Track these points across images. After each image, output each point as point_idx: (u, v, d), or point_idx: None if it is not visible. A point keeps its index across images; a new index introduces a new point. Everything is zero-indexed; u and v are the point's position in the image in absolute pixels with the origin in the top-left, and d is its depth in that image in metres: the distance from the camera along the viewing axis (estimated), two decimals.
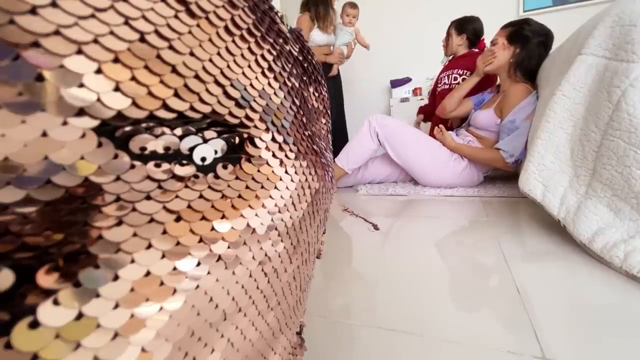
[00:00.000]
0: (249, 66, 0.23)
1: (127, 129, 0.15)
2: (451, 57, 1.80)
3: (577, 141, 0.74)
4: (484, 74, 1.40)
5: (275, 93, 0.26)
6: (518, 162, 1.18)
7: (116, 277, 0.14)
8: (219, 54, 0.21)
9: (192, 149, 0.18)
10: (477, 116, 1.39)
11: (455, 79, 1.68)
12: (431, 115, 1.86)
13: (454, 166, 1.35)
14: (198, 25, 0.20)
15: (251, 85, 0.23)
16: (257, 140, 0.23)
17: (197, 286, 0.17)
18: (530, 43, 1.21)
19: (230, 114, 0.21)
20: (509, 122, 1.20)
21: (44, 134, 0.13)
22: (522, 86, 1.22)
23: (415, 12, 2.71)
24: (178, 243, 0.16)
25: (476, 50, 1.71)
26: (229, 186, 0.20)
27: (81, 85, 0.14)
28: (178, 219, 0.17)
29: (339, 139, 1.98)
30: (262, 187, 0.22)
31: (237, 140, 0.21)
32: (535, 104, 1.14)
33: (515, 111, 1.18)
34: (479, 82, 1.49)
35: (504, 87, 1.34)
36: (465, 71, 1.65)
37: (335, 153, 1.50)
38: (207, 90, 0.19)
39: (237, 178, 0.20)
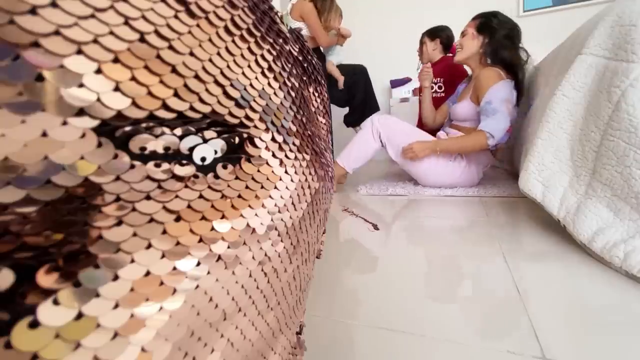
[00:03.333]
0: (249, 66, 0.23)
1: (127, 128, 0.15)
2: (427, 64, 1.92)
3: (577, 141, 0.74)
4: (458, 64, 1.48)
5: (275, 93, 0.26)
6: (497, 146, 1.20)
7: (116, 277, 0.14)
8: (218, 54, 0.21)
9: (192, 149, 0.18)
10: (455, 109, 1.42)
11: (432, 87, 1.78)
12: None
13: (453, 166, 1.35)
14: (198, 26, 0.20)
15: (251, 85, 0.23)
16: (256, 140, 0.23)
17: (197, 286, 0.17)
18: (497, 34, 1.28)
19: (230, 114, 0.21)
20: (486, 104, 1.21)
21: (44, 134, 0.13)
22: (491, 69, 1.26)
23: (415, 13, 2.71)
24: (178, 243, 0.16)
25: (450, 55, 1.82)
26: (228, 186, 0.20)
27: (81, 85, 0.14)
28: (178, 219, 0.17)
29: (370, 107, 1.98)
30: (262, 187, 0.22)
31: (236, 140, 0.21)
32: (513, 91, 1.19)
33: (489, 92, 1.20)
34: (453, 78, 1.62)
35: (475, 74, 1.39)
36: (439, 79, 1.77)
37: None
38: (207, 90, 0.19)
39: (237, 178, 0.20)
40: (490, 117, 1.18)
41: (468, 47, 1.35)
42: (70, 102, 0.14)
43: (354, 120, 2.06)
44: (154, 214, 0.16)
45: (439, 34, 1.80)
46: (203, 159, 0.18)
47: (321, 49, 1.96)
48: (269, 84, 0.25)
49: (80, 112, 0.14)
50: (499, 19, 1.30)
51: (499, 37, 1.28)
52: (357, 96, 1.97)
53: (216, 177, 0.19)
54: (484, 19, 1.33)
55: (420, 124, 1.85)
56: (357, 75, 1.97)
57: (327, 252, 0.78)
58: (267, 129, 0.24)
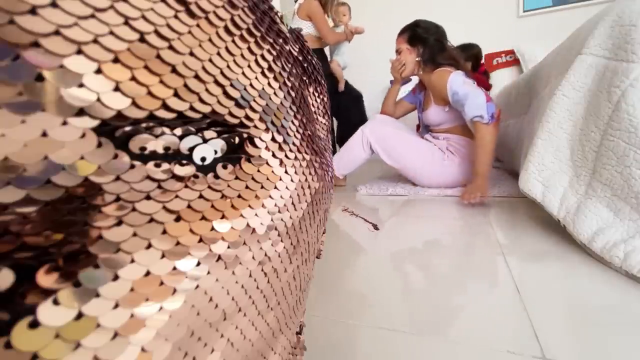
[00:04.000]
0: (249, 66, 0.23)
1: (127, 128, 0.15)
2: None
3: (577, 141, 0.74)
4: (409, 77, 1.52)
5: (275, 93, 0.26)
6: (494, 116, 1.17)
7: (116, 277, 0.14)
8: (218, 54, 0.21)
9: (192, 149, 0.18)
10: (427, 117, 1.47)
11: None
12: None
13: (448, 165, 1.36)
14: (198, 26, 0.20)
15: (251, 85, 0.23)
16: (256, 140, 0.23)
17: (197, 286, 0.17)
18: (428, 41, 1.37)
19: (230, 114, 0.21)
20: (453, 96, 1.25)
21: (44, 134, 0.13)
22: (439, 71, 1.33)
23: (415, 13, 2.71)
24: (178, 243, 0.16)
25: (477, 72, 1.92)
26: (228, 186, 0.20)
27: (81, 85, 0.14)
28: (178, 219, 0.17)
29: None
30: (262, 187, 0.22)
31: (236, 140, 0.21)
32: (467, 78, 1.26)
33: (449, 87, 1.25)
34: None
35: (426, 82, 1.45)
36: None
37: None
38: (207, 90, 0.19)
39: (236, 178, 0.20)
40: (466, 104, 1.20)
41: (408, 61, 1.43)
42: (70, 102, 0.13)
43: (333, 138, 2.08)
44: (154, 214, 0.16)
45: (470, 52, 1.90)
46: (203, 159, 0.18)
47: (326, 50, 1.97)
48: (269, 84, 0.25)
49: (80, 112, 0.14)
50: (422, 27, 1.40)
51: (430, 43, 1.37)
52: (345, 122, 1.96)
53: (216, 177, 0.19)
54: (410, 32, 1.41)
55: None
56: (351, 102, 1.97)
57: (327, 252, 0.78)
58: (267, 129, 0.24)
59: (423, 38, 1.38)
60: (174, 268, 0.16)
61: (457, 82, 1.24)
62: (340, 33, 1.89)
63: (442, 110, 1.39)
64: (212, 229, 0.18)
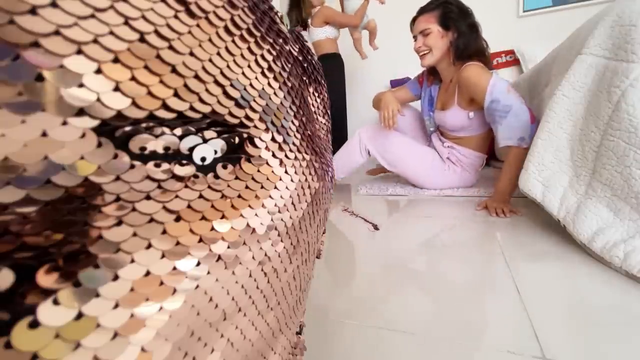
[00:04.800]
0: (249, 66, 0.23)
1: (127, 128, 0.15)
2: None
3: (577, 141, 0.74)
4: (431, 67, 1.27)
5: (275, 93, 0.26)
6: (530, 140, 0.97)
7: (116, 277, 0.14)
8: (218, 54, 0.21)
9: (192, 149, 0.18)
10: (444, 118, 1.28)
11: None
12: None
13: (449, 173, 1.34)
14: (198, 26, 0.20)
15: (251, 85, 0.23)
16: (256, 140, 0.23)
17: (197, 286, 0.17)
18: (461, 25, 1.10)
19: (230, 114, 0.21)
20: (492, 103, 1.02)
21: (44, 134, 0.13)
22: (474, 68, 1.08)
23: (415, 12, 2.71)
24: (178, 243, 0.16)
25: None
26: (228, 186, 0.20)
27: (81, 85, 0.14)
28: (178, 218, 0.17)
29: (338, 139, 1.98)
30: (262, 187, 0.22)
31: (236, 140, 0.21)
32: (503, 79, 1.06)
33: (490, 90, 1.02)
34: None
35: (448, 76, 1.22)
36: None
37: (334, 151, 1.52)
38: (207, 90, 0.19)
39: (236, 178, 0.20)
40: (506, 118, 0.99)
41: (438, 47, 1.14)
42: (70, 102, 0.13)
43: None
44: (154, 214, 0.16)
45: None
46: (203, 159, 0.18)
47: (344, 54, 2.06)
48: (269, 84, 0.25)
49: (80, 112, 0.14)
50: (456, 5, 1.10)
51: (464, 29, 1.09)
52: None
53: (216, 177, 0.19)
54: (442, 10, 1.10)
55: None
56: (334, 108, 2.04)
57: (327, 252, 0.78)
58: (267, 129, 0.24)
59: (457, 21, 1.09)
60: (174, 268, 0.16)
61: (501, 88, 1.01)
62: (359, 10, 1.97)
63: (465, 115, 1.17)
64: (212, 229, 0.18)
